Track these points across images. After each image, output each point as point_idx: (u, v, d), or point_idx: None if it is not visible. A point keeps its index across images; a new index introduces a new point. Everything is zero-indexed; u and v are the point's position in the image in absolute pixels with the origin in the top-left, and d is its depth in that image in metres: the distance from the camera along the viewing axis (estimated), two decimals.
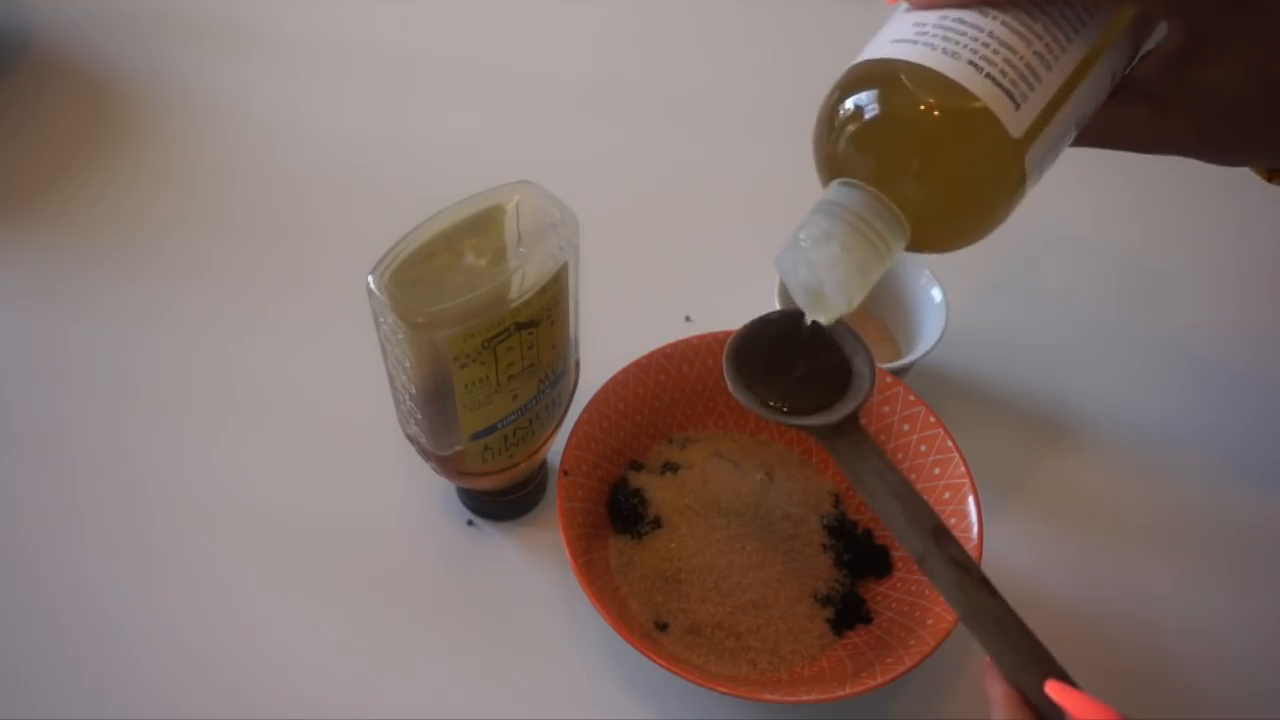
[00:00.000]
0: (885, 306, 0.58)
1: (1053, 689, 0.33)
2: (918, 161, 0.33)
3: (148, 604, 0.48)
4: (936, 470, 0.48)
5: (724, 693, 0.42)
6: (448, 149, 0.68)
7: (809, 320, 0.38)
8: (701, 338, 0.52)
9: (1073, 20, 0.34)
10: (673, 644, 0.46)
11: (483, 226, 0.41)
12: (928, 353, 0.53)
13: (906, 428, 0.50)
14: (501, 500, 0.51)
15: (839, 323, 0.39)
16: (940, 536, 0.36)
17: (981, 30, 0.33)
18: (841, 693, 0.42)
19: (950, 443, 0.48)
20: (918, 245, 0.35)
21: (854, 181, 0.34)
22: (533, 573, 0.50)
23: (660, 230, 0.65)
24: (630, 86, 0.74)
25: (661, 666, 0.42)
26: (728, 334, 0.51)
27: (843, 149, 0.35)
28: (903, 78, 0.33)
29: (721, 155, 0.69)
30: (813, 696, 0.42)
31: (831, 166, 0.35)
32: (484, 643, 0.48)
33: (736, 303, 0.58)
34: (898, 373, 0.52)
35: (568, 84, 0.74)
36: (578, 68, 0.75)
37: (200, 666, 0.47)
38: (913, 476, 0.49)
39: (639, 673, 0.47)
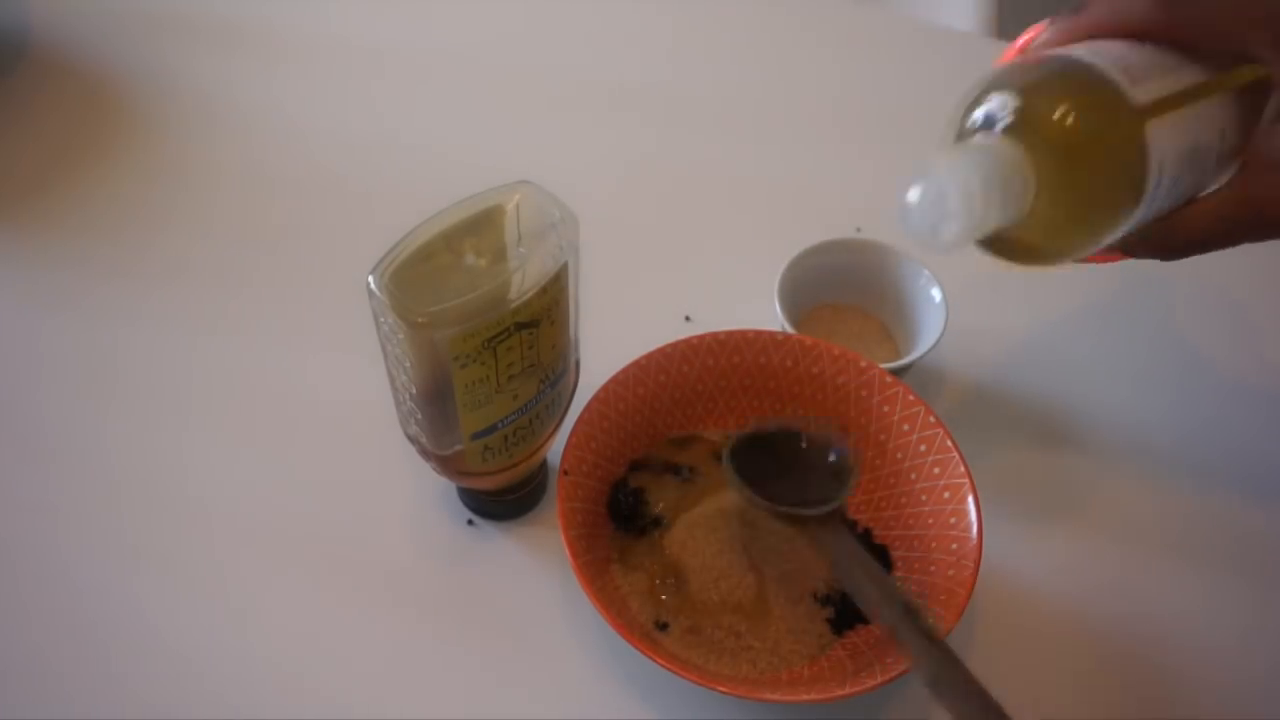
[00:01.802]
0: (885, 306, 0.58)
1: None
2: (1046, 123, 0.35)
3: (147, 604, 0.48)
4: (936, 470, 0.48)
5: (724, 693, 0.42)
6: (448, 149, 0.68)
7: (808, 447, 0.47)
8: (701, 338, 0.52)
9: (1181, 60, 0.38)
10: (673, 644, 0.46)
11: (483, 226, 0.41)
12: (927, 353, 0.53)
13: (906, 428, 0.50)
14: (501, 500, 0.51)
15: (816, 422, 0.49)
16: (911, 611, 0.40)
17: (1093, 47, 0.38)
18: (841, 692, 0.42)
19: (950, 443, 0.48)
20: (1034, 230, 0.37)
21: (992, 136, 0.36)
22: (533, 573, 0.50)
23: (660, 230, 0.65)
24: (630, 86, 0.74)
25: (661, 666, 0.42)
26: (728, 334, 0.52)
27: (971, 112, 0.38)
28: (1029, 66, 0.38)
29: (722, 155, 0.69)
30: (813, 696, 0.42)
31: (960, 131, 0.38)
32: (484, 643, 0.48)
33: (736, 303, 0.58)
34: (898, 373, 0.52)
35: (568, 84, 0.74)
36: (578, 68, 0.75)
37: (199, 666, 0.47)
38: (912, 476, 0.49)
39: (639, 673, 0.47)
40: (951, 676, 0.38)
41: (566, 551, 0.45)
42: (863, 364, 0.51)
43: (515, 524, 0.52)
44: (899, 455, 0.50)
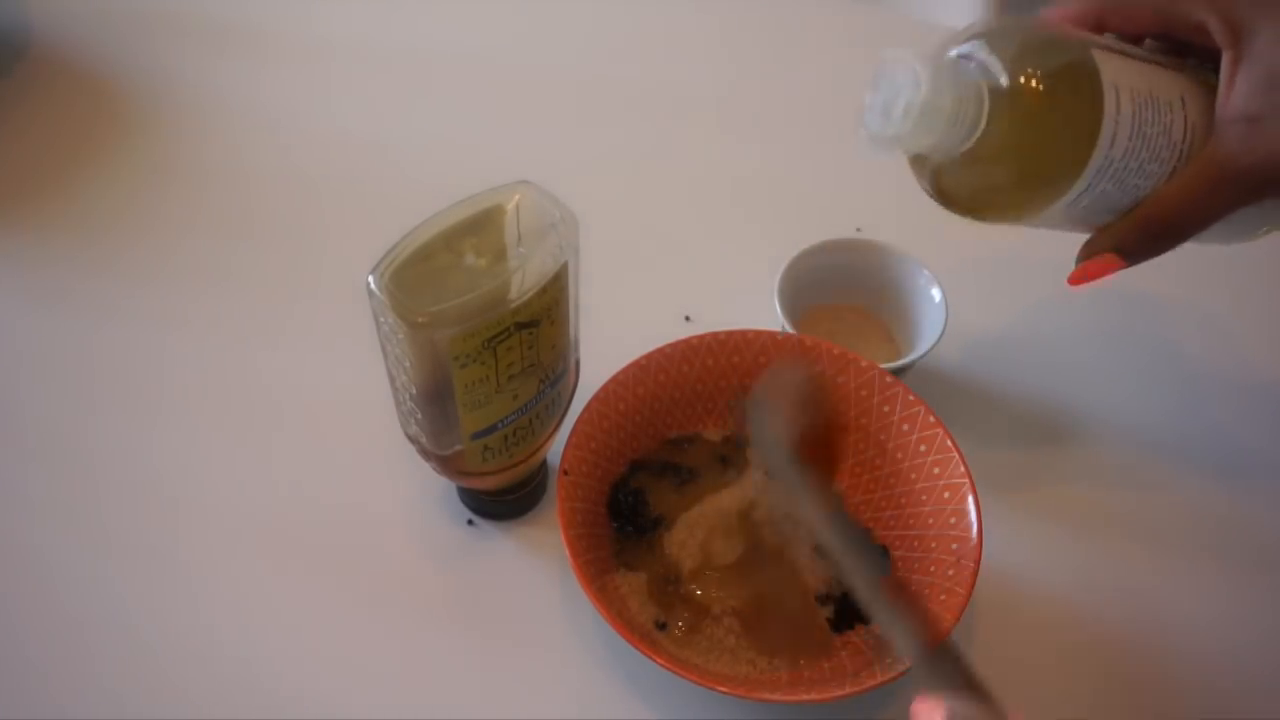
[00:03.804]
0: (885, 306, 0.58)
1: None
2: (1017, 74, 0.39)
3: (147, 603, 0.48)
4: (936, 470, 0.48)
5: (724, 693, 0.42)
6: (447, 149, 0.68)
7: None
8: (701, 338, 0.52)
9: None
10: (673, 644, 0.46)
11: (483, 226, 0.41)
12: (928, 353, 0.53)
13: (906, 428, 0.50)
14: (501, 500, 0.51)
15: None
16: (900, 603, 0.37)
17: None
18: (841, 692, 0.42)
19: (950, 443, 0.48)
20: (986, 173, 0.40)
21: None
22: (533, 573, 0.50)
23: (660, 230, 0.65)
24: (630, 86, 0.74)
25: (661, 666, 0.42)
26: (728, 334, 0.52)
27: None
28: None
29: (722, 155, 0.70)
30: (813, 696, 0.42)
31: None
32: (484, 642, 0.48)
33: (736, 303, 0.58)
34: (898, 373, 0.52)
35: (568, 84, 0.74)
36: (578, 67, 0.75)
37: (199, 665, 0.47)
38: (912, 476, 0.49)
39: (639, 673, 0.47)
40: (943, 671, 0.35)
41: (566, 551, 0.45)
42: (863, 364, 0.51)
43: (515, 524, 0.52)
44: (899, 455, 0.50)
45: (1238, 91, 0.40)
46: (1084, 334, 0.60)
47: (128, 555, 0.50)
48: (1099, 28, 0.42)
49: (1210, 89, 0.41)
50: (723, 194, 0.67)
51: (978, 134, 0.39)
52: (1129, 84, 0.40)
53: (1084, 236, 0.44)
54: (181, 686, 0.46)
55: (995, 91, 0.39)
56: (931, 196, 0.43)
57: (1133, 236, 0.42)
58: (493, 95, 0.73)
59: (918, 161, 0.43)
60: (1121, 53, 0.41)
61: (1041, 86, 0.38)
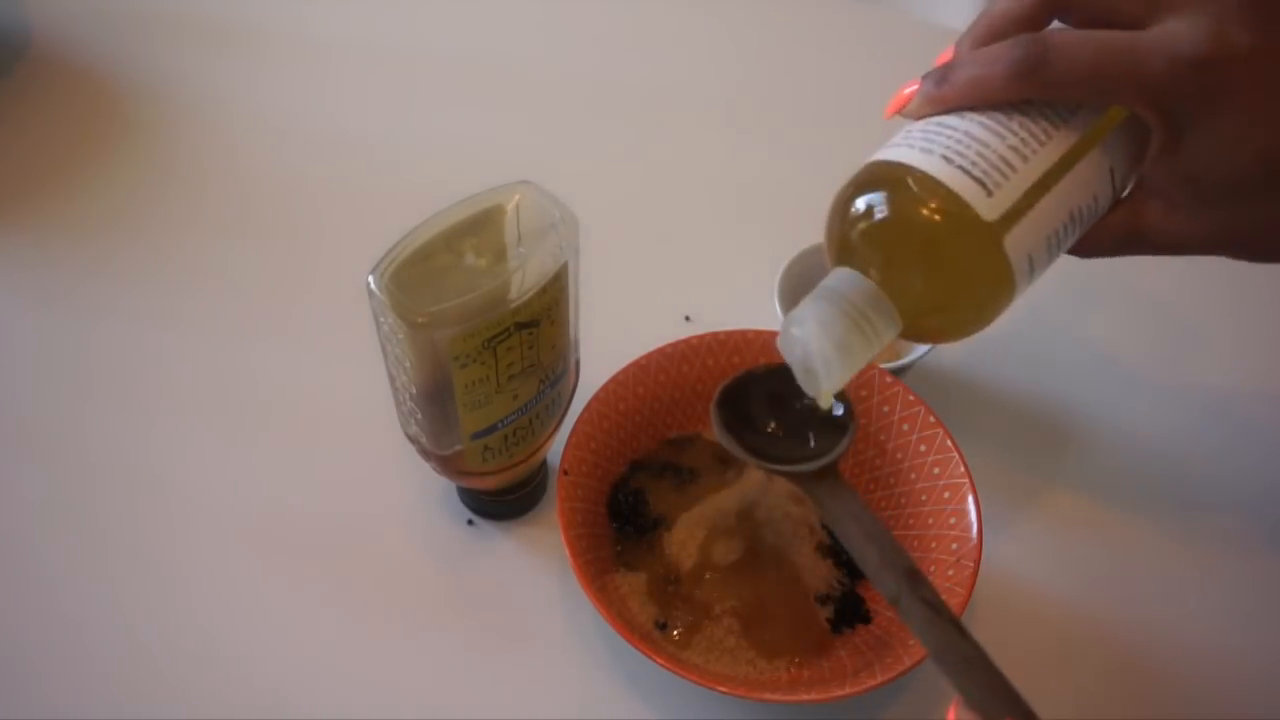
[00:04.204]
0: None
1: None
2: (897, 246, 0.36)
3: (144, 603, 0.48)
4: (936, 470, 0.48)
5: (724, 693, 0.42)
6: (448, 149, 0.68)
7: (804, 392, 0.40)
8: (701, 338, 0.52)
9: (1054, 119, 0.36)
10: (673, 644, 0.46)
11: (483, 226, 0.41)
12: (928, 352, 0.53)
13: (906, 428, 0.50)
14: (501, 500, 0.51)
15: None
16: (914, 578, 0.38)
17: (957, 130, 0.35)
18: (841, 693, 0.42)
19: (950, 443, 0.48)
20: (914, 335, 0.37)
21: (849, 270, 0.36)
22: (533, 573, 0.50)
23: (660, 230, 0.65)
24: (631, 86, 0.74)
25: (661, 666, 0.42)
26: (728, 334, 0.52)
27: (836, 239, 0.37)
28: (882, 174, 0.36)
29: (721, 155, 0.69)
30: (813, 696, 0.42)
31: (834, 254, 0.38)
32: (484, 642, 0.48)
33: (736, 303, 0.58)
34: (898, 373, 0.52)
35: (568, 84, 0.74)
36: (578, 68, 0.75)
37: (196, 665, 0.47)
38: (912, 476, 0.49)
39: (639, 673, 0.47)
40: (957, 648, 0.36)
41: (566, 551, 0.45)
42: None
43: (515, 524, 0.52)
44: (899, 455, 0.50)
45: (1161, 176, 0.37)
46: (1084, 334, 0.60)
47: (126, 555, 0.50)
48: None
49: (1128, 129, 0.38)
50: (723, 194, 0.67)
51: (898, 321, 0.36)
52: (1042, 232, 0.36)
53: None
54: (179, 686, 0.46)
55: (889, 283, 0.35)
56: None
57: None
58: (493, 95, 0.73)
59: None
60: (1039, 184, 0.35)
61: (937, 256, 0.35)
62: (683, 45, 0.77)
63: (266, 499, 0.52)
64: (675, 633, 0.46)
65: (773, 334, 0.52)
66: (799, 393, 0.40)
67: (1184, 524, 0.53)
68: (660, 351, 0.51)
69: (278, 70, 0.74)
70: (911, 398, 0.50)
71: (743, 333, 0.52)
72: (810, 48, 0.77)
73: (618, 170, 0.68)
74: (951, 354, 0.57)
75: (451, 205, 0.41)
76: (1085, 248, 0.40)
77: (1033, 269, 0.36)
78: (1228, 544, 0.52)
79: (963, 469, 0.47)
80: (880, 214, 0.36)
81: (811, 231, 0.57)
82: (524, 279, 0.40)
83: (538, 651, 0.48)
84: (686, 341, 0.52)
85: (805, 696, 0.42)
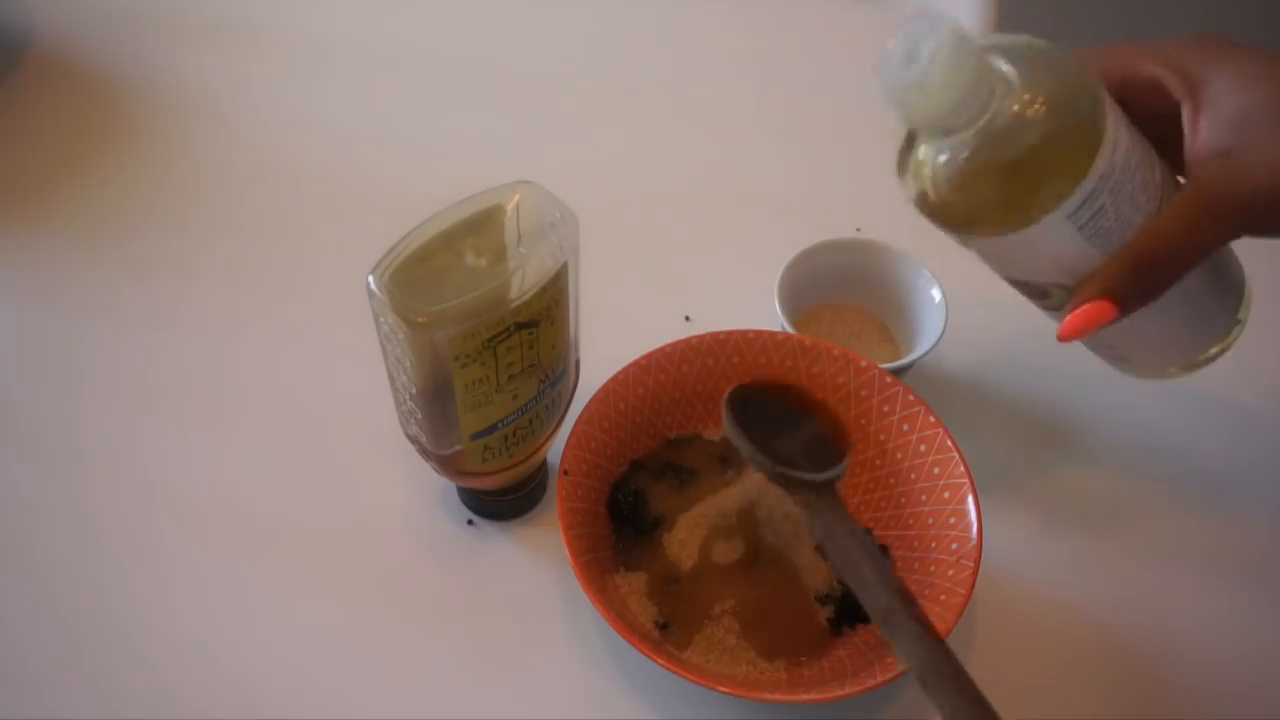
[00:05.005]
0: (885, 306, 0.58)
1: None
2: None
3: (146, 603, 0.48)
4: (936, 470, 0.48)
5: (724, 692, 0.42)
6: (448, 149, 0.68)
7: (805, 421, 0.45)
8: (701, 338, 0.52)
9: None
10: (673, 644, 0.46)
11: (483, 226, 0.41)
12: (927, 353, 0.53)
13: (906, 428, 0.50)
14: (501, 500, 0.51)
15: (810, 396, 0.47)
16: (905, 596, 0.39)
17: None
18: (841, 692, 0.42)
19: (950, 443, 0.48)
20: (988, 157, 0.40)
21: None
22: (533, 573, 0.50)
23: (660, 230, 0.65)
24: (630, 86, 0.74)
25: (661, 666, 0.42)
26: (728, 334, 0.52)
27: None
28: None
29: (722, 155, 0.69)
30: (813, 696, 0.42)
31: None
32: (484, 642, 0.48)
33: (736, 303, 0.58)
34: (898, 373, 0.52)
35: (568, 84, 0.74)
36: (578, 68, 0.75)
37: (198, 665, 0.47)
38: (912, 476, 0.49)
39: (639, 673, 0.47)
40: (943, 671, 0.37)
41: (566, 551, 0.45)
42: (863, 364, 0.51)
43: (515, 524, 0.52)
44: (899, 455, 0.50)
45: (1204, 135, 0.41)
46: None
47: (124, 555, 0.50)
48: None
49: (1164, 165, 0.43)
50: (723, 194, 0.67)
51: (988, 115, 0.39)
52: (1123, 119, 0.41)
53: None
54: (177, 686, 0.46)
55: (1013, 78, 0.39)
56: (920, 206, 0.42)
57: (1123, 276, 0.41)
58: (493, 95, 0.73)
59: (912, 167, 0.42)
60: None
61: (1055, 86, 0.39)
62: (683, 45, 0.77)
63: (266, 499, 0.52)
64: (675, 633, 0.46)
65: (773, 334, 0.52)
66: (801, 420, 0.45)
67: (1184, 524, 0.53)
68: (660, 351, 0.51)
69: (279, 70, 0.74)
70: (911, 398, 0.50)
71: (743, 333, 0.52)
72: (812, 48, 0.77)
73: (618, 170, 0.68)
74: (951, 354, 0.57)
75: (451, 205, 0.41)
76: (1158, 249, 0.41)
77: (1116, 133, 0.40)
78: (1228, 544, 0.52)
79: (963, 469, 0.47)
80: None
81: (812, 231, 0.57)
82: (524, 279, 0.40)
83: (537, 651, 0.48)
84: (686, 341, 0.52)
85: (805, 696, 0.42)
